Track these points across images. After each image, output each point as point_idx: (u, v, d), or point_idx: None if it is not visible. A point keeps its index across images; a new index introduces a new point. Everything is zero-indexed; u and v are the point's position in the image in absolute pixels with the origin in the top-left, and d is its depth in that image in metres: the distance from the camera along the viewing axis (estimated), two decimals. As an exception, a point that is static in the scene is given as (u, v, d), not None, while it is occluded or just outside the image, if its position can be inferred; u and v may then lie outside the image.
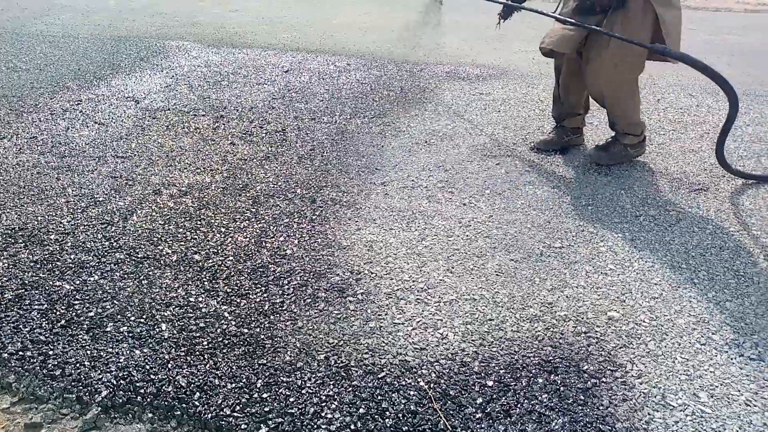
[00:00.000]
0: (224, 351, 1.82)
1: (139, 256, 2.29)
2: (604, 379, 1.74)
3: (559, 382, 1.73)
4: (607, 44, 2.81)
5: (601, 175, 3.05)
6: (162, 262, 2.26)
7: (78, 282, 2.13)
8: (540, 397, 1.67)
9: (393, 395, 1.67)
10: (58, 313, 1.97)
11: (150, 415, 1.61)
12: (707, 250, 2.40)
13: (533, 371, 1.76)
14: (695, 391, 1.71)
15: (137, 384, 1.69)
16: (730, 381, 1.74)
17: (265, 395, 1.66)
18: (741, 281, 2.20)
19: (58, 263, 2.24)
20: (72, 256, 2.28)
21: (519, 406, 1.64)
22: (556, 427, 1.58)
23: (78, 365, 1.75)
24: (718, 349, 1.86)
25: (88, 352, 1.80)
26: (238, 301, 2.04)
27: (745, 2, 9.98)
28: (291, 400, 1.65)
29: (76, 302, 2.02)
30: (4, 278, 2.14)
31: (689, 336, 1.92)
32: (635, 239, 2.46)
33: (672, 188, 2.92)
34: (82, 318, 1.95)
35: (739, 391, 1.71)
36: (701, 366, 1.80)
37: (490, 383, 1.72)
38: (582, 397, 1.67)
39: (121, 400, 1.64)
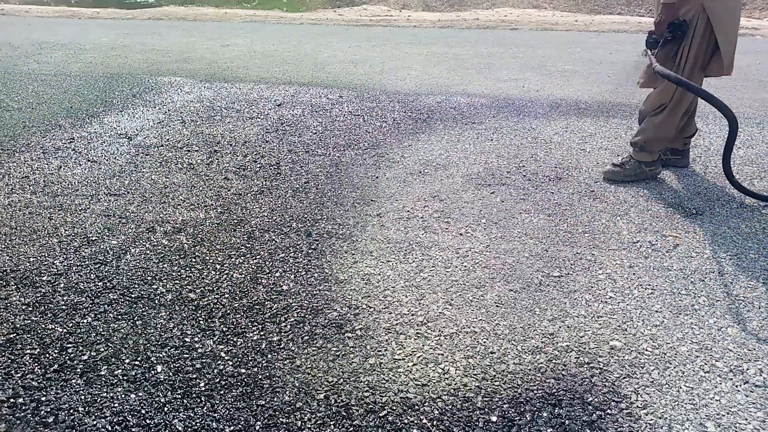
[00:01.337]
0: (221, 392, 1.78)
1: (133, 296, 2.26)
2: (609, 411, 1.71)
3: (563, 415, 1.69)
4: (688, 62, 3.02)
5: (596, 201, 3.06)
6: (156, 301, 2.23)
7: (71, 324, 2.09)
8: (545, 432, 1.64)
9: (395, 434, 1.63)
10: (50, 357, 1.93)
11: (146, 462, 1.56)
12: (706, 275, 2.39)
13: (537, 405, 1.73)
14: (702, 420, 1.68)
15: (133, 429, 1.65)
16: (736, 409, 1.72)
17: (264, 438, 1.62)
18: (742, 306, 2.18)
19: (50, 305, 2.20)
20: (65, 298, 2.25)
21: (524, 442, 1.61)
22: (563, 463, 1.54)
23: (71, 411, 1.71)
24: (723, 377, 1.84)
25: (82, 397, 1.76)
26: (235, 340, 2.01)
27: (729, 26, 10.14)
28: (291, 442, 1.61)
29: (69, 345, 1.98)
30: (-4, 322, 2.10)
31: (693, 364, 1.90)
32: (634, 266, 2.45)
33: (668, 213, 2.92)
34: (75, 362, 1.91)
35: (746, 419, 1.68)
36: (706, 394, 1.77)
37: (494, 419, 1.68)
38: (588, 431, 1.64)
39: (116, 447, 1.60)
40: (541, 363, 1.90)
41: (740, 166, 3.50)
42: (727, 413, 1.70)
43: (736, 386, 1.80)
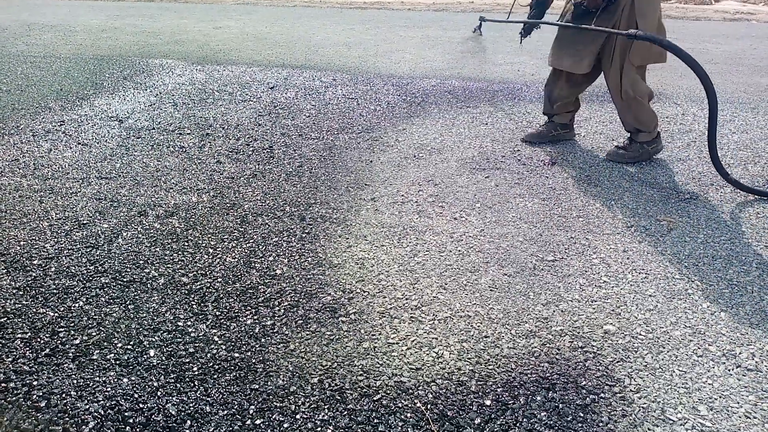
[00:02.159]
0: (215, 377, 1.77)
1: (125, 279, 2.24)
2: (602, 395, 1.71)
3: (557, 399, 1.70)
4: (616, 48, 3.09)
5: (590, 186, 3.05)
6: (149, 285, 2.21)
7: (62, 308, 2.07)
8: (539, 416, 1.64)
9: (389, 418, 1.63)
10: (42, 341, 1.91)
11: (139, 446, 1.56)
12: (700, 259, 2.39)
13: (531, 389, 1.73)
14: (694, 404, 1.68)
15: (126, 414, 1.64)
16: (728, 393, 1.72)
17: (258, 422, 1.61)
18: (734, 290, 2.19)
19: (41, 289, 2.18)
20: (56, 282, 2.22)
21: (518, 425, 1.61)
22: (557, 446, 1.55)
23: (64, 395, 1.70)
24: (716, 361, 1.85)
25: (74, 381, 1.75)
26: (228, 324, 2.00)
27: (724, 11, 10.14)
28: (285, 426, 1.60)
29: (61, 330, 1.97)
30: (-14, 306, 2.08)
31: (686, 348, 1.90)
32: (628, 250, 2.45)
33: (662, 198, 2.92)
34: (67, 346, 1.89)
35: (738, 403, 1.69)
36: (699, 378, 1.78)
37: (488, 402, 1.69)
38: (581, 414, 1.64)
39: (109, 431, 1.59)
40: (535, 347, 1.90)
41: (734, 151, 3.50)
42: (720, 397, 1.71)
43: (729, 370, 1.81)
